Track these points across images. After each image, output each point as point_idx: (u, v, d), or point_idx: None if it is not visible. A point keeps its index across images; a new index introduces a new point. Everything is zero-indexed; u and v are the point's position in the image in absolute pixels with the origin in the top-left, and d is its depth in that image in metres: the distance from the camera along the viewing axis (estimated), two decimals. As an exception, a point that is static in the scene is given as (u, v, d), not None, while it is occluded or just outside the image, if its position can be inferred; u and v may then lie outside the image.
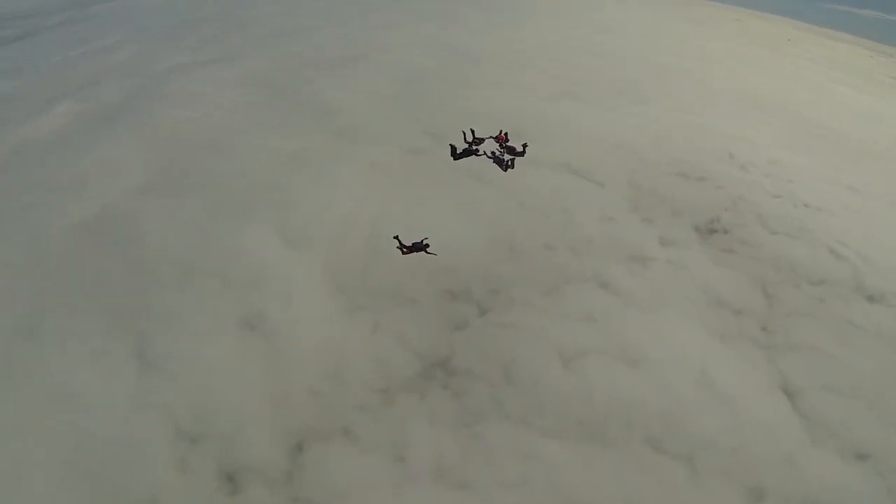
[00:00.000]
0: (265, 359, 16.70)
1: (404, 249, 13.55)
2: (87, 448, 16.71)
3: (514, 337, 17.03)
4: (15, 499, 16.69)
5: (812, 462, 15.23)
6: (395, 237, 13.59)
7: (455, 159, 13.61)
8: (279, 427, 15.84)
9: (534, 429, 15.83)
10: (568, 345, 16.99)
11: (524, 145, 13.72)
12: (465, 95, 28.37)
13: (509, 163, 13.57)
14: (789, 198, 24.26)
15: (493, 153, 13.62)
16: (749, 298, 18.77)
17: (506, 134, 14.13)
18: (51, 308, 20.25)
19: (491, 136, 14.13)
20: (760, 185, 25.06)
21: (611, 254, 19.28)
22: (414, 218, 19.65)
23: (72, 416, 17.31)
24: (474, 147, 13.65)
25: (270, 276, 19.47)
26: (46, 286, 21.33)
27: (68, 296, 20.56)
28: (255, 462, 15.91)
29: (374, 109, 28.88)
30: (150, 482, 16.11)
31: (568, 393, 16.30)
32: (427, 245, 13.74)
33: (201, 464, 16.14)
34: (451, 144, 13.60)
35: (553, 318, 17.42)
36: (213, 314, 18.10)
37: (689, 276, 19.15)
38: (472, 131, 13.97)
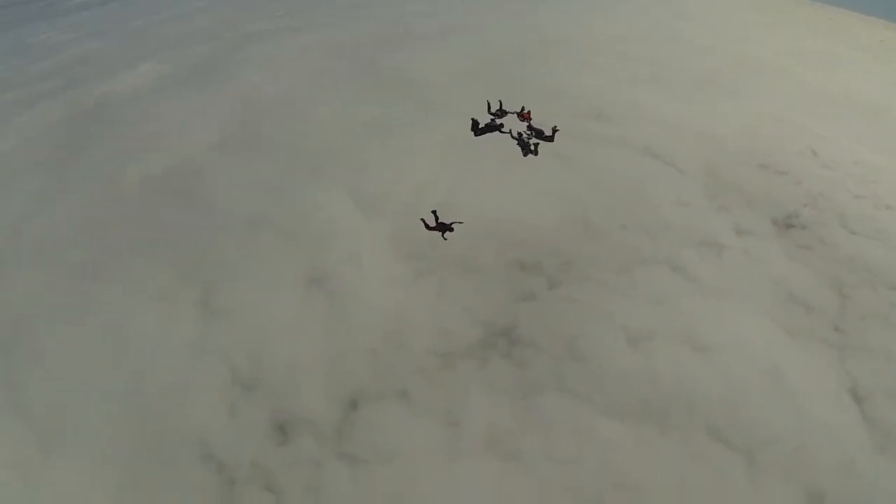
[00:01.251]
0: (327, 316, 16.36)
1: (429, 226, 12.96)
2: (141, 386, 16.64)
3: (582, 313, 16.44)
4: (67, 430, 16.64)
5: (876, 470, 14.89)
6: (433, 212, 13.05)
7: (476, 134, 12.69)
8: (335, 383, 15.54)
9: (593, 406, 15.45)
10: (635, 325, 16.39)
11: (554, 129, 12.57)
12: (546, 74, 27.31)
13: (533, 148, 12.40)
14: (872, 199, 23.06)
15: (519, 134, 12.48)
16: (823, 297, 17.99)
17: (528, 112, 13.06)
18: (120, 251, 20.85)
19: (515, 112, 13.10)
20: (843, 183, 23.79)
21: (685, 239, 18.46)
22: (488, 190, 19.68)
23: (131, 355, 17.27)
24: (499, 122, 12.75)
25: (339, 236, 19.34)
26: (118, 230, 22.05)
27: (138, 241, 21.10)
28: (307, 415, 15.69)
29: (455, 84, 28.19)
30: (200, 425, 15.98)
31: (631, 373, 15.80)
32: (452, 227, 13.17)
33: (253, 412, 15.95)
34: (472, 118, 12.67)
35: (623, 297, 16.78)
36: (279, 269, 18.26)
37: (763, 268, 18.32)
38: (500, 102, 13.03)
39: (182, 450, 16.21)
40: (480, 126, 12.68)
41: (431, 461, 14.90)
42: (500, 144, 23.71)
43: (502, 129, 12.57)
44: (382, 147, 23.96)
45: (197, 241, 20.64)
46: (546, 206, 19.43)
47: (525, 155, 12.33)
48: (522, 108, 13.03)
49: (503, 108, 13.09)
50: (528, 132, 12.57)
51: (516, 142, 12.40)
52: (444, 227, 12.86)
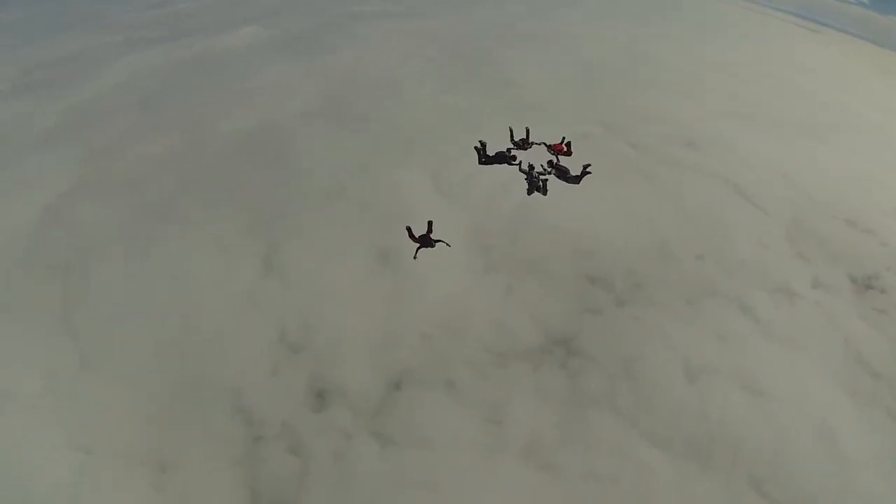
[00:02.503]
0: (388, 293, 16.17)
1: (413, 236, 11.17)
2: (190, 326, 16.67)
3: (645, 335, 16.00)
4: (109, 353, 16.69)
5: (917, 552, 14.46)
6: (429, 222, 11.24)
7: (480, 163, 10.91)
8: (383, 361, 15.34)
9: (639, 430, 15.04)
10: (695, 358, 15.85)
11: (585, 169, 10.66)
12: (637, 94, 26.74)
13: (541, 185, 10.60)
14: (960, 273, 22.02)
15: (530, 167, 10.60)
16: (892, 365, 17.26)
17: (568, 144, 11.10)
18: (196, 197, 21.22)
19: (544, 143, 11.13)
20: (931, 253, 22.71)
21: (759, 280, 17.85)
22: (569, 198, 18.32)
23: (186, 295, 17.24)
24: (511, 153, 10.88)
25: (415, 217, 18.07)
26: (197, 177, 22.56)
27: (215, 191, 21.47)
28: (349, 387, 15.53)
29: (550, 89, 27.80)
30: (239, 376, 15.89)
31: (683, 405, 15.33)
32: (434, 244, 11.31)
33: (294, 373, 15.81)
34: (480, 142, 10.87)
35: (687, 327, 16.28)
36: (348, 239, 18.26)
37: (834, 325, 17.62)
38: (527, 131, 11.19)
39: (216, 396, 16.11)
40: (489, 155, 10.89)
41: (466, 456, 14.60)
42: (588, 155, 23.30)
43: (512, 161, 10.79)
44: (472, 138, 22.77)
45: (272, 200, 20.82)
46: (626, 224, 19.02)
47: (529, 193, 10.55)
48: (562, 140, 11.18)
49: (529, 137, 11.32)
50: (549, 169, 10.77)
51: (525, 176, 10.62)
52: (425, 242, 11.13)
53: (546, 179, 10.61)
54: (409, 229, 10.96)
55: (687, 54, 30.72)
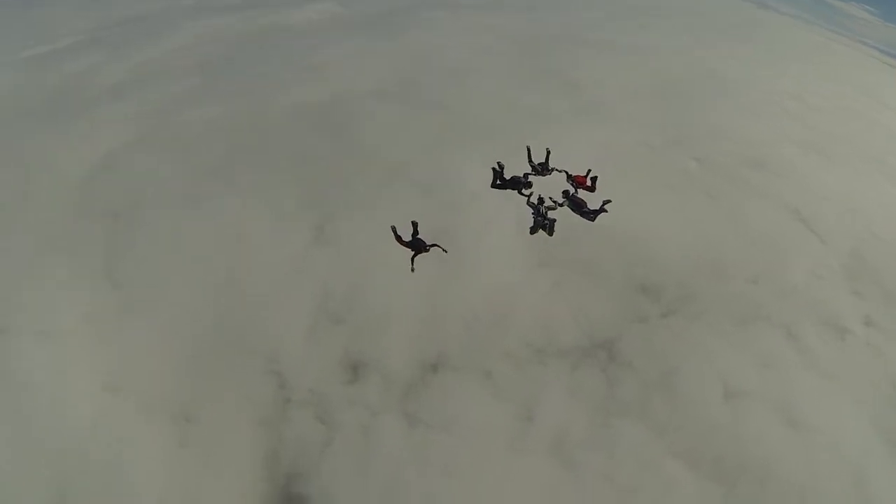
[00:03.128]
0: (436, 276, 15.93)
1: (400, 238, 9.89)
2: (233, 285, 16.86)
3: (687, 350, 15.75)
4: (148, 302, 17.36)
5: None
6: (413, 223, 9.98)
7: (493, 186, 9.87)
8: (422, 342, 15.43)
9: (667, 445, 14.85)
10: (736, 379, 15.55)
11: (605, 203, 9.55)
12: (710, 111, 26.24)
13: (547, 225, 9.37)
14: None
15: (540, 200, 9.43)
16: (935, 416, 16.74)
17: (593, 179, 9.91)
18: (254, 162, 21.46)
19: (566, 172, 10.00)
20: None
21: (810, 311, 17.41)
22: (630, 205, 18.23)
23: (234, 255, 17.48)
24: (527, 178, 9.82)
25: (474, 205, 18.97)
26: (254, 144, 22.78)
27: (274, 157, 21.69)
28: (384, 364, 15.60)
29: (617, 96, 27.45)
30: (277, 339, 16.00)
31: (716, 425, 15.07)
32: (428, 249, 9.98)
33: (332, 343, 15.95)
34: (497, 163, 9.76)
35: (731, 348, 15.97)
36: (404, 218, 17.19)
37: (882, 367, 17.08)
38: (547, 152, 10.05)
39: (251, 355, 16.29)
40: (504, 177, 9.84)
41: (492, 446, 14.57)
42: (652, 166, 23.20)
43: (525, 189, 9.67)
44: (534, 132, 21.71)
45: (331, 172, 20.91)
46: (682, 237, 18.68)
47: (533, 231, 9.36)
48: (587, 172, 9.96)
49: (549, 162, 10.09)
50: (562, 200, 9.66)
51: (532, 211, 9.46)
52: (418, 247, 9.75)
53: (554, 220, 9.37)
54: (393, 229, 9.66)
55: (762, 77, 29.78)
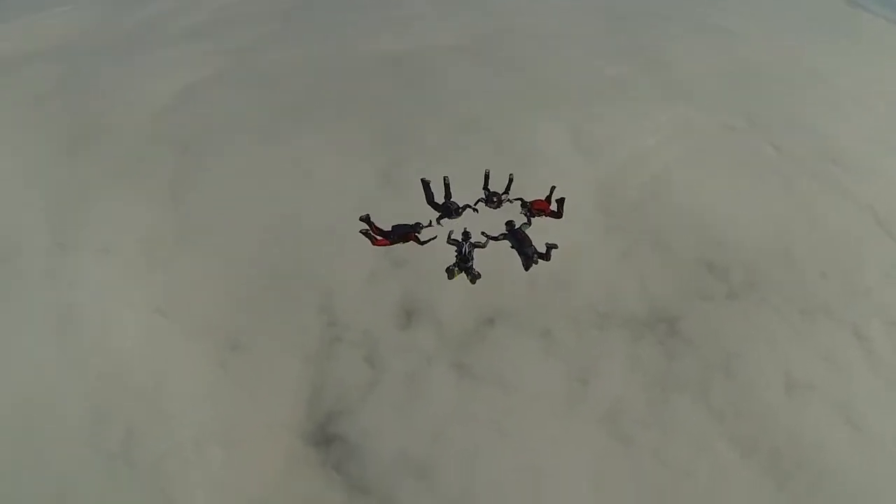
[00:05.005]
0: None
1: (372, 234, 8.40)
2: (295, 220, 17.21)
3: (751, 334, 15.26)
4: (207, 231, 17.63)
5: None
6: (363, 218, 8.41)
7: (429, 202, 8.53)
8: (482, 295, 14.98)
9: (723, 428, 14.37)
10: (798, 372, 14.99)
11: (551, 247, 8.27)
12: (792, 100, 25.29)
13: (472, 270, 7.93)
14: None
15: (463, 237, 8.02)
16: None
17: (559, 201, 8.79)
18: (330, 104, 21.78)
19: (521, 199, 8.76)
20: None
21: (879, 311, 16.65)
22: (706, 183, 18.71)
23: (298, 193, 17.79)
24: (459, 208, 8.45)
25: (546, 163, 18.76)
26: (329, 88, 23.10)
27: (346, 102, 21.92)
28: (441, 312, 15.55)
29: (702, 76, 26.76)
30: (333, 277, 15.92)
31: (776, 415, 14.52)
32: (417, 230, 8.35)
33: (390, 287, 16.01)
34: (424, 180, 8.44)
35: (796, 339, 15.44)
36: (473, 171, 17.18)
37: (952, 379, 16.34)
38: (510, 179, 8.78)
39: (306, 291, 16.22)
40: (434, 199, 8.54)
41: (544, 407, 14.24)
42: (730, 145, 22.53)
43: (456, 213, 8.38)
44: (615, 106, 23.23)
45: (404, 120, 20.93)
46: (755, 222, 18.17)
47: (449, 277, 7.86)
48: (550, 192, 8.84)
49: (509, 189, 8.83)
50: (497, 234, 8.30)
51: (455, 250, 8.01)
52: (400, 234, 8.28)
53: (470, 268, 7.82)
54: (367, 220, 8.23)
55: (850, 73, 29.09)
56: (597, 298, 15.65)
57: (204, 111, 22.62)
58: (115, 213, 18.09)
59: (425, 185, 8.54)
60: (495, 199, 8.76)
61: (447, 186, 8.61)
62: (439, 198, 8.62)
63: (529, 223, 8.72)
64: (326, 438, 14.46)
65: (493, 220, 8.69)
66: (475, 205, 8.64)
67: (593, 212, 18.12)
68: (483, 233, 8.35)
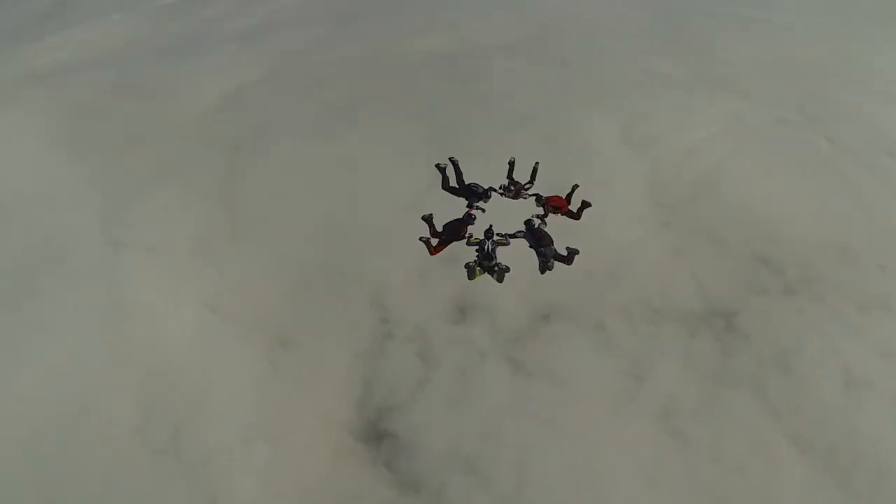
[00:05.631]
0: (557, 226, 15.57)
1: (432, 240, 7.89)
2: (346, 218, 17.33)
3: (807, 330, 15.05)
4: (261, 227, 17.98)
5: None
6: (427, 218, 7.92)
7: (444, 188, 8.25)
8: (536, 290, 15.25)
9: (780, 425, 14.11)
10: (857, 368, 14.70)
11: (573, 252, 7.93)
12: (845, 93, 24.60)
13: (497, 270, 7.46)
14: None
15: (486, 235, 7.51)
16: None
17: (582, 204, 8.17)
18: (379, 103, 22.30)
19: (538, 195, 8.31)
20: None
21: None
22: (759, 178, 18.52)
23: (350, 190, 18.14)
24: (487, 190, 8.09)
25: (596, 159, 18.97)
26: (380, 87, 23.56)
27: (397, 101, 22.41)
28: (495, 307, 15.51)
29: (752, 69, 26.38)
30: (386, 273, 16.08)
31: (834, 413, 14.27)
32: (469, 221, 7.87)
33: (443, 282, 16.06)
34: (442, 163, 8.17)
35: (854, 335, 15.17)
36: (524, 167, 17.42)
37: None
38: (534, 169, 8.28)
39: (358, 286, 16.38)
40: (450, 184, 8.22)
41: (598, 402, 14.21)
42: (783, 139, 21.47)
43: (476, 201, 7.96)
44: (664, 102, 23.16)
45: (454, 118, 21.10)
46: (810, 216, 17.97)
47: (470, 276, 7.48)
48: (572, 190, 8.25)
49: (534, 178, 8.39)
50: (516, 232, 7.84)
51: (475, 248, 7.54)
52: (449, 236, 7.78)
53: (506, 268, 7.41)
54: (429, 220, 7.75)
55: None
56: (651, 294, 15.57)
57: (254, 112, 23.07)
58: (167, 212, 18.54)
59: (441, 169, 8.26)
60: (512, 188, 8.37)
61: (456, 166, 8.16)
62: (455, 183, 8.24)
63: (545, 222, 8.17)
64: (377, 435, 14.56)
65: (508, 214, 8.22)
66: (498, 189, 8.32)
67: (645, 207, 18.07)
68: (499, 234, 7.84)
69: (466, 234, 7.77)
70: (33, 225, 18.31)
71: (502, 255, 7.72)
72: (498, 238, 7.68)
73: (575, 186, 8.31)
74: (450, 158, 8.26)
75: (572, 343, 14.65)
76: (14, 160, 21.07)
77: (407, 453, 13.99)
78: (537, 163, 8.44)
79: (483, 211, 8.00)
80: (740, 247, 16.68)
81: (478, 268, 7.45)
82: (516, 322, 15.11)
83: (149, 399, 14.81)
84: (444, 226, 7.83)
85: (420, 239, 7.80)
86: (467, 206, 7.97)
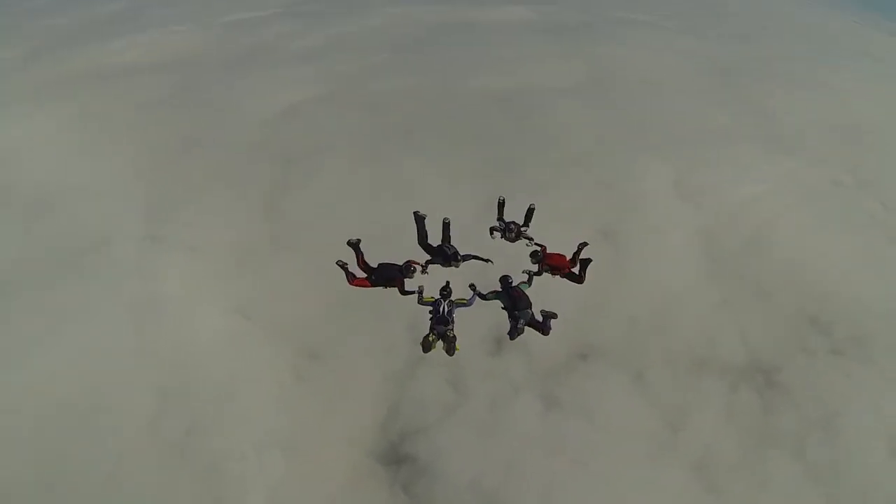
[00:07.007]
0: (603, 268, 15.54)
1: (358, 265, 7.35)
2: (385, 242, 16.48)
3: (853, 393, 14.66)
4: (292, 249, 17.97)
5: None
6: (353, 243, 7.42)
7: (420, 243, 7.69)
8: (577, 329, 15.17)
9: (821, 490, 13.57)
10: (903, 435, 14.06)
11: (549, 316, 7.09)
12: None
13: (449, 336, 6.74)
14: None
15: (441, 294, 6.93)
16: None
17: (584, 263, 7.39)
18: (431, 133, 22.59)
19: (537, 249, 7.59)
20: None
21: None
22: (813, 236, 18.55)
23: (399, 211, 17.61)
24: (457, 254, 7.51)
25: (646, 205, 19.14)
26: (436, 118, 23.95)
27: (452, 132, 22.72)
28: (531, 343, 14.65)
29: (807, 130, 26.53)
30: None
31: (877, 480, 13.73)
32: (406, 274, 7.25)
33: (481, 312, 14.89)
34: (416, 215, 7.59)
35: None
36: (576, 206, 18.22)
37: None
38: (529, 210, 7.74)
39: (394, 308, 15.89)
40: (428, 240, 7.67)
41: (633, 447, 13.81)
42: (841, 205, 21.27)
43: (416, 264, 7.36)
44: (720, 153, 23.24)
45: (508, 153, 21.31)
46: (861, 278, 17.70)
47: (425, 350, 6.87)
48: (579, 249, 7.42)
49: (529, 221, 7.82)
50: (486, 292, 7.17)
51: (429, 311, 6.93)
52: (385, 276, 7.21)
53: (447, 332, 6.56)
54: (355, 246, 7.28)
55: None
56: (694, 344, 15.32)
57: (309, 128, 23.51)
58: (210, 215, 18.77)
59: (419, 220, 7.57)
60: (513, 229, 7.77)
61: (446, 228, 7.52)
62: (434, 239, 7.62)
63: (530, 282, 7.41)
64: (398, 458, 14.29)
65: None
66: (491, 235, 7.92)
67: (695, 256, 18.06)
68: (472, 286, 7.22)
69: (403, 286, 7.15)
70: (77, 215, 18.62)
71: (473, 318, 7.42)
72: (456, 299, 6.93)
73: (582, 245, 7.45)
74: (444, 219, 7.57)
75: (609, 384, 14.37)
76: (64, 152, 21.58)
77: (426, 479, 13.69)
78: (532, 205, 7.90)
79: (427, 273, 7.36)
80: (788, 303, 16.45)
81: (432, 338, 6.63)
82: (554, 359, 14.89)
83: (167, 395, 14.64)
84: (379, 265, 7.31)
85: (338, 263, 7.23)
86: (418, 263, 7.34)
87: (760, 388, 14.65)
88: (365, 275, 7.30)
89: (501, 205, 8.03)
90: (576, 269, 7.50)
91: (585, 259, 7.45)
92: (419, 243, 7.71)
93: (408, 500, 13.69)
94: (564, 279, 7.55)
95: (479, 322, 15.39)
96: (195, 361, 15.53)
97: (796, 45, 40.93)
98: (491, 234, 8.00)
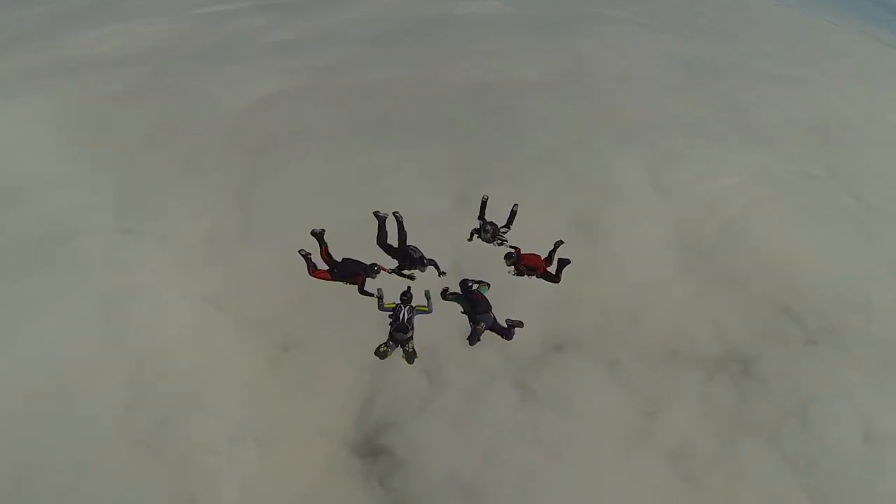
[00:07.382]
0: (579, 259, 15.47)
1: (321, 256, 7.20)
2: (363, 229, 16.48)
3: (827, 380, 14.71)
4: (264, 239, 17.48)
5: None
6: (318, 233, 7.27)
7: (379, 243, 7.52)
8: (552, 320, 15.00)
9: (798, 478, 13.58)
10: (879, 422, 14.30)
11: (513, 325, 7.30)
12: (878, 155, 24.85)
13: (407, 345, 6.84)
14: None
15: (402, 299, 6.88)
16: None
17: (562, 262, 7.34)
18: (405, 126, 22.50)
19: (511, 250, 7.52)
20: None
21: None
22: (784, 225, 18.68)
23: (371, 205, 17.44)
24: (426, 259, 7.46)
25: (620, 198, 19.08)
26: (410, 110, 23.87)
27: (426, 125, 22.58)
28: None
29: (780, 125, 26.68)
30: None
31: (852, 467, 13.76)
32: (369, 274, 7.11)
33: (457, 303, 15.36)
34: (377, 214, 7.43)
35: (876, 389, 14.79)
36: (549, 200, 18.00)
37: None
38: (513, 212, 7.57)
39: (368, 300, 15.85)
40: (387, 241, 7.51)
41: (609, 437, 13.69)
42: (812, 194, 21.25)
43: (414, 264, 7.35)
44: (694, 146, 23.37)
45: (482, 146, 21.36)
46: (834, 269, 17.85)
47: (381, 357, 6.89)
48: (555, 247, 7.43)
49: (511, 222, 7.66)
50: (454, 293, 7.17)
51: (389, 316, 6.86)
52: (344, 273, 7.00)
53: (406, 340, 6.52)
54: (319, 236, 7.15)
55: None
56: (669, 334, 15.31)
57: (282, 120, 23.19)
58: (181, 205, 18.35)
59: (380, 219, 7.34)
60: (489, 230, 7.61)
61: (401, 225, 7.39)
62: (393, 239, 7.43)
63: (489, 285, 7.47)
64: (373, 450, 14.04)
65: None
66: (469, 238, 7.79)
67: (668, 249, 18.00)
68: (426, 292, 7.13)
69: (363, 285, 6.97)
70: (46, 205, 18.10)
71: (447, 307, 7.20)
72: (417, 305, 6.81)
73: (558, 243, 7.45)
74: (394, 214, 7.42)
75: (585, 376, 14.27)
76: (35, 143, 20.94)
77: (402, 471, 13.48)
78: (516, 205, 7.70)
79: (412, 279, 7.23)
80: (762, 294, 16.51)
81: (388, 348, 6.51)
82: (529, 350, 14.76)
83: (137, 386, 14.18)
84: (344, 259, 7.17)
85: (300, 252, 7.11)
86: (387, 269, 7.22)
87: (736, 377, 14.64)
88: (327, 267, 7.15)
89: (484, 204, 7.86)
90: (552, 269, 7.47)
91: (564, 259, 7.41)
92: (378, 243, 7.50)
93: (383, 492, 13.46)
94: (541, 279, 7.55)
95: (453, 312, 15.24)
96: (167, 352, 15.14)
97: (770, 42, 41.37)
98: (470, 237, 7.83)
